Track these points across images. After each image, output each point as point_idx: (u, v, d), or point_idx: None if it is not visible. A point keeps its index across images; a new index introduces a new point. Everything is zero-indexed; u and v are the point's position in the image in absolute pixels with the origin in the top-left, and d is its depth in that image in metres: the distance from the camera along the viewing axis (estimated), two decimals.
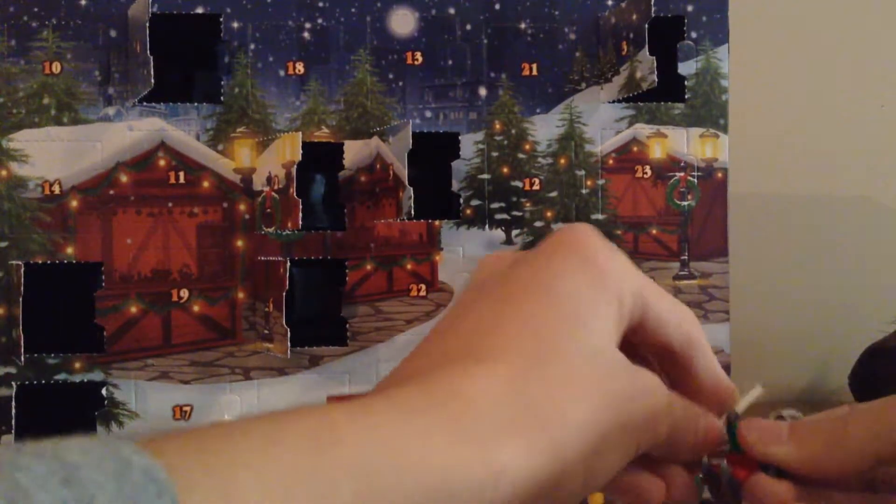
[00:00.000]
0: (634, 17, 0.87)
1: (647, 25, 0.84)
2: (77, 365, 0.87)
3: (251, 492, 0.22)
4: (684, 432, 0.34)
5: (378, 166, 0.91)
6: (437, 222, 0.92)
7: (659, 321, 0.34)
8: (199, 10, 0.88)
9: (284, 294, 0.85)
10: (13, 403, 0.84)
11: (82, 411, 0.86)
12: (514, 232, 0.93)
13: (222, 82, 0.89)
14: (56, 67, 0.87)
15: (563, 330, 0.31)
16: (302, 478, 0.23)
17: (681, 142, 0.95)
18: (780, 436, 0.34)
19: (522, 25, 0.93)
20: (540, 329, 0.30)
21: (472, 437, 0.27)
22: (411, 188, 0.84)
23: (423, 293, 0.93)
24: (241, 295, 0.90)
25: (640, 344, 0.35)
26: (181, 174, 0.89)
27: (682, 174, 0.95)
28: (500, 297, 0.32)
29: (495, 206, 0.93)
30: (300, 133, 0.85)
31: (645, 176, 0.94)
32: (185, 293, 0.89)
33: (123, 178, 0.88)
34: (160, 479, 0.20)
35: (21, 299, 0.83)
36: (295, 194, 0.84)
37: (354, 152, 0.91)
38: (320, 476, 0.24)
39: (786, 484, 0.34)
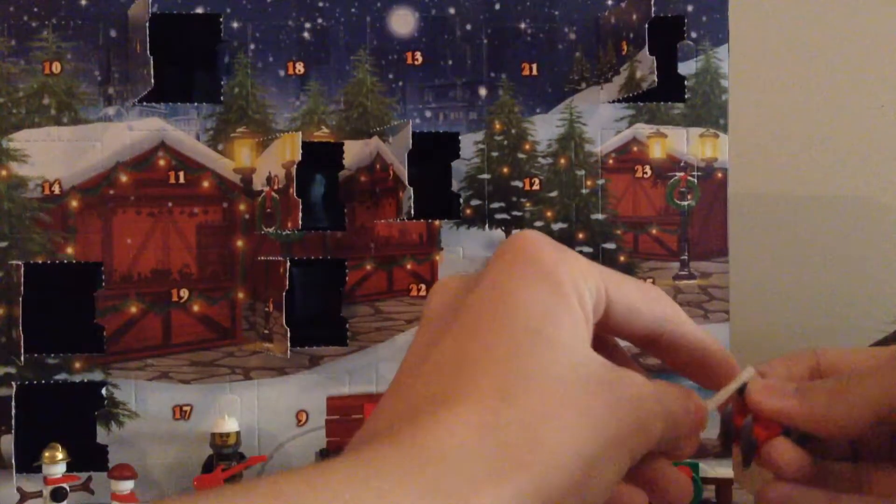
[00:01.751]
0: (634, 17, 0.87)
1: (647, 25, 0.84)
2: (77, 365, 0.87)
3: None
4: (679, 423, 0.33)
5: (378, 166, 0.91)
6: (437, 222, 0.92)
7: (628, 308, 0.33)
8: (199, 10, 0.88)
9: (284, 294, 0.85)
10: (13, 403, 0.84)
11: (82, 411, 0.86)
12: (514, 232, 0.93)
13: (222, 82, 0.89)
14: (56, 67, 0.87)
15: (530, 353, 0.29)
16: None
17: (681, 142, 0.95)
18: (785, 392, 0.34)
19: (522, 25, 0.93)
20: (506, 359, 0.29)
21: (448, 494, 0.26)
22: (411, 188, 0.84)
23: (423, 293, 0.92)
24: (241, 295, 0.90)
25: (616, 335, 0.35)
26: (181, 174, 0.89)
27: (682, 174, 0.95)
28: (460, 330, 0.31)
29: (495, 206, 0.93)
30: (300, 133, 0.85)
31: (645, 176, 0.94)
32: (185, 293, 0.89)
33: (123, 178, 0.88)
34: None
35: (21, 299, 0.83)
36: (295, 194, 0.84)
37: (354, 152, 0.90)
38: None
39: (802, 451, 0.34)
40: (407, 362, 0.32)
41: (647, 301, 0.34)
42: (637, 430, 0.31)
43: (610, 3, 0.92)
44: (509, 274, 0.31)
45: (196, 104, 0.89)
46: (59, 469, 0.78)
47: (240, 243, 0.89)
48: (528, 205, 0.93)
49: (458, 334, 0.31)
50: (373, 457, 0.27)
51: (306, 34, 0.90)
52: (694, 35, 0.94)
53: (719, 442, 0.36)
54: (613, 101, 0.93)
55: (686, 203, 0.95)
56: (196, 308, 0.89)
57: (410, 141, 0.84)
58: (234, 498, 0.25)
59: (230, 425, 0.84)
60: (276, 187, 0.87)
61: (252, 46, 0.89)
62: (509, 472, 0.27)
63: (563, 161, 0.93)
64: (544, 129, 0.93)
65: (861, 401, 0.33)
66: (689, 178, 0.95)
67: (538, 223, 0.93)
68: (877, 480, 0.36)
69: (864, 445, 0.37)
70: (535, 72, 0.93)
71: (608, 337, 0.36)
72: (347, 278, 0.89)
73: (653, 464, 0.33)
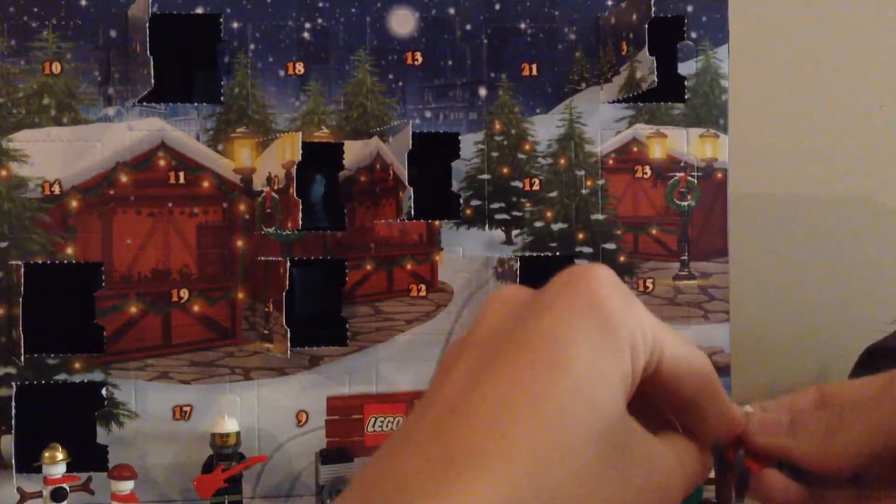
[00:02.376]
0: (634, 17, 0.87)
1: (647, 25, 0.84)
2: (77, 365, 0.87)
3: None
4: (697, 478, 0.33)
5: (378, 166, 0.90)
6: (437, 222, 0.92)
7: (674, 373, 0.33)
8: (199, 10, 0.88)
9: (284, 294, 0.85)
10: (13, 403, 0.84)
11: (82, 411, 0.86)
12: (514, 232, 0.93)
13: (222, 82, 0.89)
14: (56, 67, 0.87)
15: (575, 420, 0.29)
16: None
17: (681, 142, 0.95)
18: (779, 428, 0.34)
19: (522, 25, 0.93)
20: (550, 423, 0.28)
21: None
22: (411, 188, 0.84)
23: (423, 293, 0.92)
24: (241, 295, 0.90)
25: (653, 393, 0.34)
26: (181, 174, 0.89)
27: (682, 174, 0.95)
28: (509, 374, 0.30)
29: (495, 206, 0.93)
30: (300, 133, 0.85)
31: (645, 176, 0.94)
32: (185, 293, 0.89)
33: (123, 178, 0.88)
34: None
35: (21, 299, 0.83)
36: (295, 194, 0.84)
37: (354, 152, 0.90)
38: None
39: (795, 484, 0.34)
40: (448, 386, 0.31)
41: (693, 362, 0.33)
42: (651, 491, 0.31)
43: (610, 3, 0.92)
44: (569, 319, 0.30)
45: (196, 104, 0.89)
46: (59, 469, 0.78)
47: (240, 243, 0.89)
48: (528, 205, 0.93)
49: (506, 378, 0.30)
50: None
51: (306, 34, 0.90)
52: (694, 35, 0.94)
53: (715, 478, 0.36)
54: (613, 102, 0.93)
55: (686, 203, 0.95)
56: (196, 308, 0.89)
57: (410, 141, 0.84)
58: None
59: (230, 425, 0.84)
60: (276, 187, 0.87)
61: (252, 46, 0.89)
62: None
63: (563, 161, 0.93)
64: (544, 129, 0.93)
65: (855, 437, 0.32)
66: (689, 178, 0.95)
67: (538, 223, 0.93)
68: None
69: (866, 472, 0.36)
70: (535, 72, 0.93)
71: (651, 397, 0.35)
72: (347, 278, 0.89)
73: None
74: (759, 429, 0.35)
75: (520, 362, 0.30)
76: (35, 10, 0.86)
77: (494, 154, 0.93)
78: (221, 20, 0.87)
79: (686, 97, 0.94)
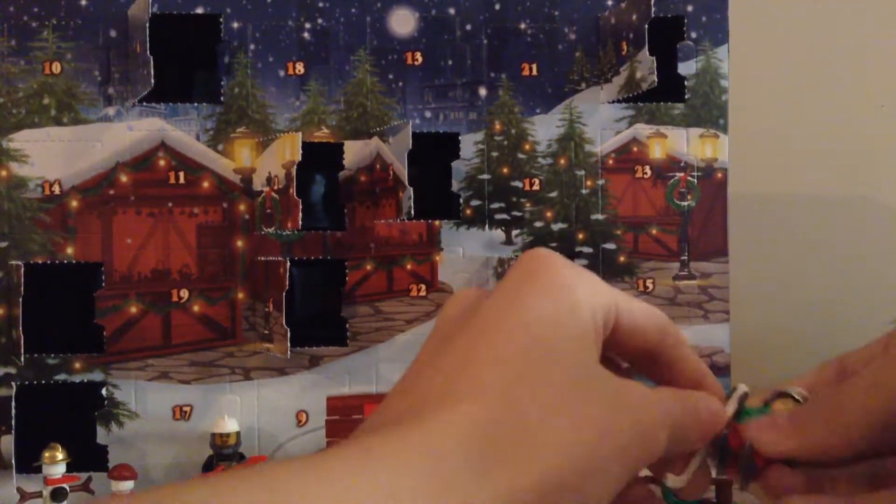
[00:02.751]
0: (634, 17, 0.87)
1: (647, 25, 0.84)
2: (77, 365, 0.87)
3: None
4: (687, 428, 0.33)
5: (378, 166, 0.91)
6: (437, 222, 0.92)
7: (633, 325, 0.34)
8: (199, 10, 0.88)
9: (284, 294, 0.85)
10: (13, 403, 0.84)
11: (82, 411, 0.86)
12: (514, 232, 0.93)
13: (222, 82, 0.89)
14: (56, 67, 0.87)
15: (535, 360, 0.30)
16: None
17: (681, 142, 0.95)
18: (780, 428, 0.34)
19: (522, 25, 0.93)
20: (511, 362, 0.30)
21: (446, 485, 0.26)
22: (411, 188, 0.84)
23: (423, 293, 0.92)
24: (241, 295, 0.90)
25: (620, 352, 0.35)
26: (181, 174, 0.89)
27: (682, 174, 0.95)
28: (470, 333, 0.32)
29: (495, 206, 0.93)
30: (300, 133, 0.85)
31: (645, 176, 0.94)
32: (185, 293, 0.89)
33: (123, 178, 0.88)
34: None
35: (21, 299, 0.83)
36: (295, 194, 0.84)
37: (354, 152, 0.90)
38: None
39: (799, 473, 0.34)
40: (417, 362, 0.33)
41: (653, 321, 0.35)
42: (640, 440, 0.31)
43: (610, 3, 0.92)
44: (523, 284, 0.32)
45: (196, 104, 0.89)
46: (59, 469, 0.78)
47: (240, 243, 0.89)
48: (528, 205, 0.93)
49: (468, 336, 0.31)
50: (373, 446, 0.27)
51: (306, 34, 0.90)
52: (694, 35, 0.94)
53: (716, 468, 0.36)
54: (613, 102, 0.93)
55: (686, 203, 0.95)
56: (196, 308, 0.89)
57: (410, 141, 0.84)
58: (229, 482, 0.25)
59: (230, 425, 0.84)
60: (276, 187, 0.87)
61: (252, 46, 0.89)
62: (506, 467, 0.28)
63: (563, 161, 0.93)
64: (544, 129, 0.93)
65: (859, 422, 0.32)
66: (689, 178, 0.95)
67: (538, 223, 0.93)
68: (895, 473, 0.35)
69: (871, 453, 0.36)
70: (535, 72, 0.93)
71: (614, 357, 0.36)
72: (347, 278, 0.89)
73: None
74: (761, 432, 0.35)
75: (480, 324, 0.32)
76: (35, 10, 0.86)
77: (494, 154, 0.93)
78: (221, 20, 0.87)
79: (686, 97, 0.94)
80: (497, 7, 0.92)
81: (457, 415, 0.28)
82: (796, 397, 0.35)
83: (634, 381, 0.33)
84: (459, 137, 0.91)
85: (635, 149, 0.94)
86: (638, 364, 0.36)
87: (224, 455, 0.84)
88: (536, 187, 0.93)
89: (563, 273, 0.33)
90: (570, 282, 0.32)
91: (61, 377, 0.87)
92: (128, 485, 0.80)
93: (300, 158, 0.83)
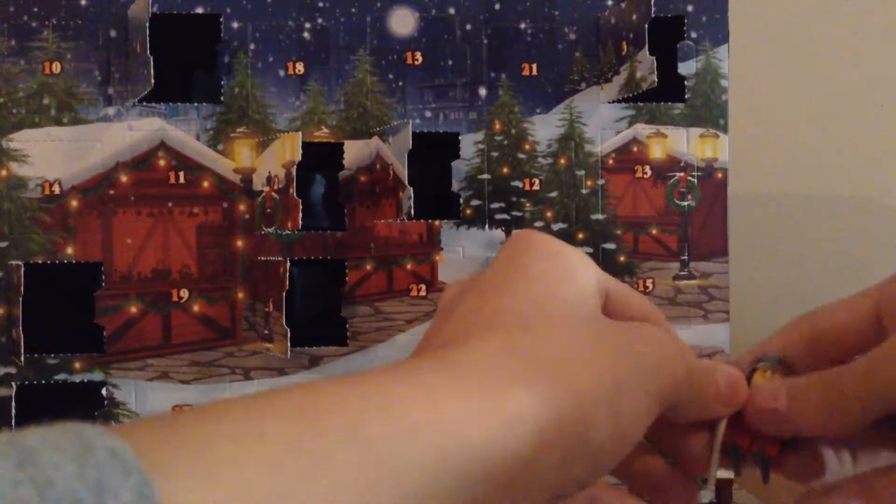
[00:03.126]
0: (634, 17, 0.87)
1: (647, 25, 0.84)
2: (77, 365, 0.87)
3: (232, 464, 0.20)
4: (703, 382, 0.33)
5: (378, 166, 0.91)
6: (437, 222, 0.92)
7: (624, 300, 0.35)
8: (199, 10, 0.88)
9: (284, 294, 0.85)
10: (13, 403, 0.84)
11: (82, 411, 0.86)
12: (514, 232, 0.93)
13: (222, 82, 0.89)
14: (56, 67, 0.87)
15: (549, 306, 0.31)
16: (289, 448, 0.21)
17: (681, 142, 0.95)
18: (780, 415, 0.34)
19: (522, 25, 0.93)
20: (526, 306, 0.31)
21: (479, 391, 0.26)
22: (411, 188, 0.84)
23: (423, 293, 0.92)
24: (241, 295, 0.90)
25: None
26: (181, 174, 0.89)
27: (682, 174, 0.95)
28: (479, 292, 0.32)
29: (495, 206, 0.93)
30: (300, 133, 0.85)
31: (645, 176, 0.94)
32: (185, 293, 0.89)
33: (123, 178, 0.88)
34: (126, 458, 0.18)
35: (21, 299, 0.83)
36: (295, 194, 0.84)
37: (354, 152, 0.90)
38: (309, 445, 0.21)
39: (804, 455, 0.35)
40: (429, 330, 0.34)
41: (636, 296, 0.36)
42: (660, 367, 0.31)
43: (610, 3, 0.92)
44: (519, 253, 0.33)
45: (196, 104, 0.89)
46: None
47: (240, 243, 0.90)
48: (528, 205, 0.93)
49: (477, 294, 0.32)
50: (413, 366, 0.29)
51: (306, 34, 0.90)
52: (694, 35, 0.94)
53: (732, 470, 0.36)
54: (613, 102, 0.93)
55: (686, 203, 0.95)
56: (196, 308, 0.89)
57: (410, 141, 0.84)
58: (326, 387, 0.25)
59: None
60: (276, 187, 0.87)
61: (252, 46, 0.89)
62: (539, 376, 0.28)
63: (563, 161, 0.93)
64: (544, 129, 0.93)
65: (858, 404, 0.32)
66: (689, 178, 0.95)
67: (538, 223, 0.93)
68: None
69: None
70: (535, 72, 0.93)
71: None
72: (347, 278, 0.89)
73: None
74: (763, 419, 0.34)
75: (486, 285, 0.32)
76: (35, 10, 0.86)
77: (494, 154, 0.93)
78: (221, 20, 0.87)
79: (686, 97, 0.94)
80: (497, 7, 0.92)
81: (483, 343, 0.29)
82: (776, 368, 0.35)
83: (646, 323, 0.34)
84: (459, 137, 0.91)
85: (635, 149, 0.94)
86: None
87: None
88: (536, 187, 0.93)
89: (555, 244, 0.33)
90: (563, 250, 0.33)
91: (61, 377, 0.87)
92: None
93: (300, 158, 0.83)
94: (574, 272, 0.32)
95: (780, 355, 0.36)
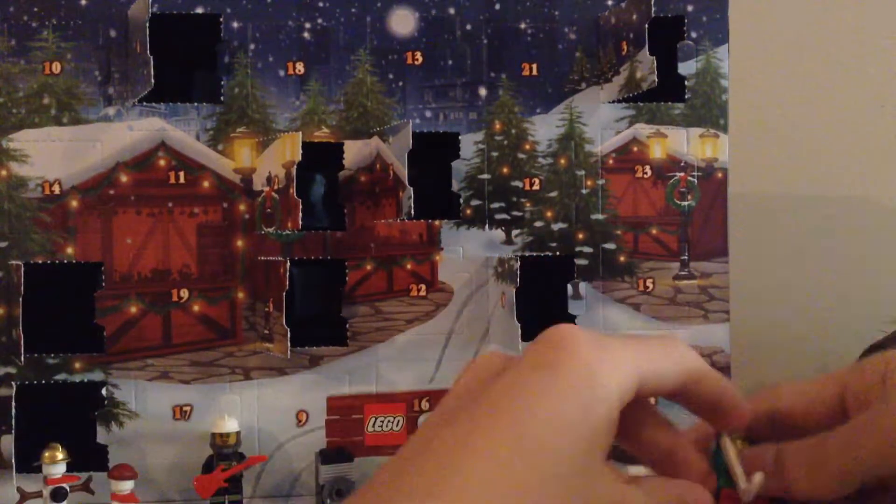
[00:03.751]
0: (634, 17, 0.87)
1: (647, 25, 0.84)
2: (77, 365, 0.87)
3: None
4: None
5: (378, 166, 0.91)
6: (437, 222, 0.92)
7: (657, 380, 0.34)
8: (199, 10, 0.88)
9: (284, 294, 0.85)
10: (13, 403, 0.84)
11: (82, 411, 0.86)
12: (514, 232, 0.93)
13: (222, 82, 0.89)
14: (56, 67, 0.87)
15: (528, 456, 0.30)
16: None
17: (681, 142, 0.95)
18: (766, 469, 0.35)
19: (522, 25, 0.93)
20: (502, 461, 0.29)
21: None
22: (411, 188, 0.84)
23: (423, 293, 0.92)
24: (241, 295, 0.90)
25: (645, 397, 0.35)
26: (181, 174, 0.89)
27: (682, 174, 0.95)
28: (464, 417, 0.31)
29: (495, 206, 0.93)
30: (300, 133, 0.85)
31: (645, 176, 0.94)
32: (185, 293, 0.89)
33: (123, 178, 0.88)
34: None
35: (21, 299, 0.83)
36: (295, 194, 0.84)
37: (354, 152, 0.90)
38: None
39: None
40: (414, 436, 0.33)
41: (673, 366, 0.35)
42: None
43: (610, 3, 0.92)
44: (540, 372, 0.31)
45: (196, 104, 0.89)
46: (59, 469, 0.78)
47: (240, 243, 0.90)
48: (528, 205, 0.93)
49: (465, 423, 0.31)
50: None
51: (306, 34, 0.90)
52: (694, 35, 0.94)
53: None
54: (613, 101, 0.93)
55: (686, 203, 0.95)
56: (196, 308, 0.89)
57: (410, 141, 0.84)
58: None
59: (230, 425, 0.84)
60: (276, 187, 0.87)
61: (252, 46, 0.89)
62: None
63: (563, 161, 0.93)
64: (544, 129, 0.93)
65: (840, 471, 0.33)
66: (689, 178, 0.95)
67: (538, 223, 0.93)
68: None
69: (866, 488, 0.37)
70: (535, 72, 0.93)
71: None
72: (347, 278, 0.89)
73: None
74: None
75: (479, 411, 0.31)
76: (35, 10, 0.86)
77: (494, 154, 0.93)
78: (221, 20, 0.87)
79: (686, 97, 0.94)
80: (497, 7, 0.92)
81: None
82: (743, 440, 0.37)
83: (633, 487, 0.33)
84: (459, 137, 0.91)
85: (635, 149, 0.94)
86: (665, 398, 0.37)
87: (224, 455, 0.84)
88: (536, 187, 0.93)
89: (584, 357, 0.32)
90: (591, 369, 0.31)
91: (61, 377, 0.87)
92: (128, 485, 0.80)
93: (300, 158, 0.83)
94: (591, 408, 0.31)
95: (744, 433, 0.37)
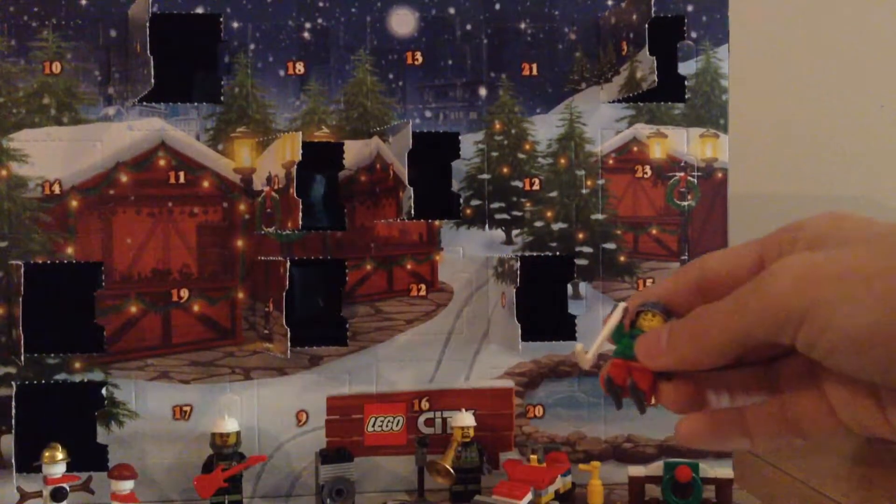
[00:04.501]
0: (634, 17, 0.87)
1: (647, 25, 0.84)
2: (77, 365, 0.87)
3: None
4: None
5: (378, 166, 0.91)
6: (437, 222, 0.92)
7: None
8: (199, 10, 0.88)
9: (284, 294, 0.85)
10: (13, 403, 0.84)
11: (82, 411, 0.86)
12: (514, 232, 0.93)
13: (222, 82, 0.89)
14: (56, 67, 0.87)
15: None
16: None
17: (681, 142, 0.95)
18: (660, 347, 0.37)
19: (522, 25, 0.93)
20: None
21: None
22: (411, 188, 0.84)
23: (423, 293, 0.92)
24: (241, 295, 0.90)
25: None
26: (181, 174, 0.89)
27: (682, 174, 0.95)
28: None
29: (495, 206, 0.93)
30: (300, 133, 0.85)
31: (645, 176, 0.94)
32: (185, 293, 0.89)
33: (123, 178, 0.88)
34: None
35: (21, 299, 0.83)
36: (295, 194, 0.84)
37: (354, 152, 0.90)
38: None
39: (679, 386, 0.38)
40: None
41: None
42: None
43: (610, 3, 0.92)
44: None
45: (196, 104, 0.89)
46: (59, 469, 0.78)
47: (240, 243, 0.89)
48: (528, 205, 0.93)
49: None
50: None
51: (306, 34, 0.90)
52: (694, 35, 0.94)
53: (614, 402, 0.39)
54: (613, 101, 0.93)
55: (686, 203, 0.95)
56: (196, 308, 0.89)
57: (410, 141, 0.84)
58: None
59: (230, 425, 0.84)
60: (276, 187, 0.87)
61: (252, 46, 0.89)
62: None
63: (563, 161, 0.93)
64: (544, 129, 0.93)
65: (718, 339, 0.35)
66: (689, 178, 0.95)
67: (538, 223, 0.93)
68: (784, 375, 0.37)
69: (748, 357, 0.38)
70: (535, 72, 0.93)
71: None
72: (347, 278, 0.89)
73: None
74: (644, 354, 0.38)
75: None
76: (35, 10, 0.86)
77: (494, 154, 0.93)
78: (221, 20, 0.87)
79: (686, 97, 0.94)
80: (497, 7, 0.92)
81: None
82: (657, 311, 0.39)
83: None
84: (459, 137, 0.91)
85: (635, 149, 0.94)
86: None
87: (224, 455, 0.84)
88: (536, 187, 0.93)
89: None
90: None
91: (61, 377, 0.87)
92: (128, 484, 0.80)
93: (300, 158, 0.83)
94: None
95: (662, 302, 0.39)
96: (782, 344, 0.33)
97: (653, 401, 0.38)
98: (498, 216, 0.93)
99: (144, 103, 0.87)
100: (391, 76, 0.91)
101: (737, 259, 0.38)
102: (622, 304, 0.39)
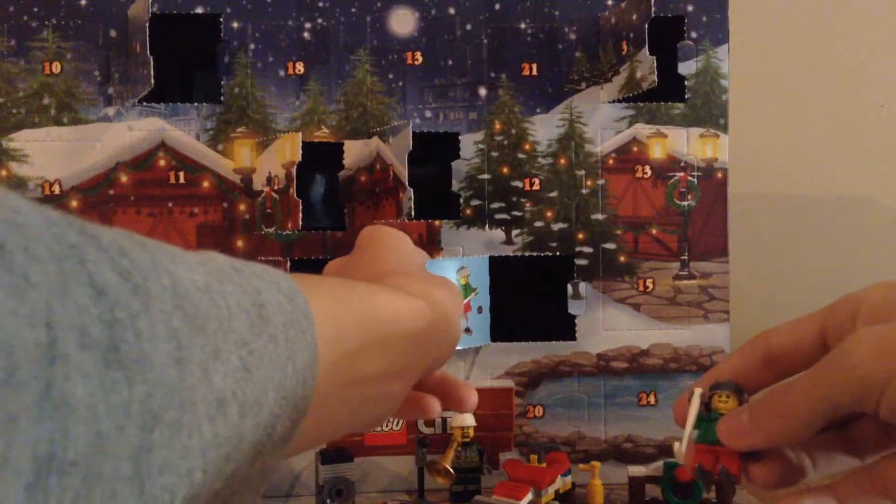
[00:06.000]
0: (634, 17, 0.87)
1: (647, 25, 0.84)
2: None
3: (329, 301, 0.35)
4: None
5: (378, 166, 0.90)
6: (437, 222, 0.92)
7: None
8: (199, 10, 0.88)
9: None
10: None
11: None
12: (514, 232, 0.93)
13: (222, 82, 0.89)
14: (56, 67, 0.87)
15: (407, 264, 0.51)
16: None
17: (681, 142, 0.95)
18: (744, 428, 0.37)
19: (522, 25, 0.93)
20: (398, 263, 0.50)
21: (404, 296, 0.41)
22: (411, 188, 0.84)
23: None
24: None
25: None
26: (181, 174, 0.89)
27: (682, 174, 0.95)
28: (371, 259, 0.51)
29: (495, 206, 0.93)
30: (300, 133, 0.85)
31: (645, 176, 0.94)
32: None
33: (123, 178, 0.88)
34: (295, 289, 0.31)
35: None
36: (295, 194, 0.84)
37: (354, 152, 0.90)
38: (349, 293, 0.38)
39: (769, 464, 0.38)
40: (344, 270, 0.51)
41: None
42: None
43: (610, 3, 0.92)
44: (374, 242, 0.53)
45: (196, 104, 0.89)
46: None
47: (240, 243, 0.90)
48: (528, 205, 0.93)
49: (367, 262, 0.50)
50: (368, 286, 0.43)
51: (306, 34, 0.90)
52: (694, 35, 0.94)
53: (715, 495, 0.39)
54: (613, 101, 0.93)
55: (686, 203, 0.95)
56: None
57: (410, 141, 0.84)
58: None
59: None
60: (276, 187, 0.87)
61: (252, 46, 0.89)
62: (424, 297, 0.43)
63: (563, 161, 0.93)
64: (544, 129, 0.93)
65: (805, 412, 0.35)
66: (689, 178, 0.95)
67: (538, 223, 0.93)
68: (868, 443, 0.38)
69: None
70: (535, 72, 0.93)
71: None
72: None
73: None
74: (729, 437, 0.38)
75: (367, 256, 0.55)
76: (35, 10, 0.86)
77: (494, 154, 0.93)
78: (221, 20, 0.87)
79: (686, 97, 0.94)
80: (497, 7, 0.92)
81: (390, 280, 0.46)
82: (730, 392, 0.39)
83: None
84: (459, 137, 0.91)
85: (635, 149, 0.94)
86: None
87: None
88: (536, 187, 0.93)
89: (393, 234, 0.55)
90: (401, 237, 0.54)
91: None
92: None
93: (300, 158, 0.83)
94: (412, 253, 0.52)
95: (734, 381, 0.39)
96: (864, 412, 0.34)
97: (742, 481, 0.38)
98: (498, 216, 0.93)
99: (144, 103, 0.87)
100: (391, 76, 0.91)
101: (800, 332, 0.40)
102: (698, 390, 0.39)
